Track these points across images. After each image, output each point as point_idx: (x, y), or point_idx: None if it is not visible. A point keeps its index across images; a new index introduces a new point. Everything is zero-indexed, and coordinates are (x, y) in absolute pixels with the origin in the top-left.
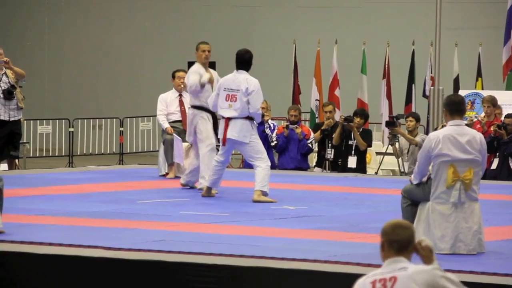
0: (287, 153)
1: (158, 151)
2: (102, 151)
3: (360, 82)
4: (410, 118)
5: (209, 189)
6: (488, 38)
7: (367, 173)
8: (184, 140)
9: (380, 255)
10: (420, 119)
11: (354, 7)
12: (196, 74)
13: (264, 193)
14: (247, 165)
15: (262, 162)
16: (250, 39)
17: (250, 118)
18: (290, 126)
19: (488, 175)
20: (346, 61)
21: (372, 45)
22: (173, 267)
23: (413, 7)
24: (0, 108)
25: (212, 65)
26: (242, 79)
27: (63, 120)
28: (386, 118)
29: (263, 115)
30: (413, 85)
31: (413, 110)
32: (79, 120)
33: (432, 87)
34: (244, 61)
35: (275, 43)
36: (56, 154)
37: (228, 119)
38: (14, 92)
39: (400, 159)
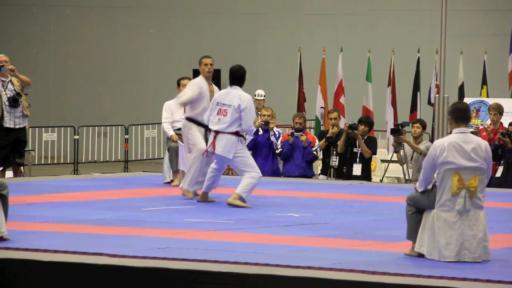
0: (292, 160)
1: (163, 158)
2: (107, 159)
3: (365, 90)
4: (417, 125)
5: (204, 194)
6: (494, 46)
7: (372, 180)
8: None
9: None
10: (426, 126)
11: (359, 15)
12: (190, 89)
13: (242, 199)
14: None
15: (251, 173)
16: (255, 46)
17: (237, 134)
18: (295, 133)
19: (493, 183)
20: (351, 69)
21: (377, 53)
22: (177, 275)
23: (418, 14)
24: (6, 115)
25: (217, 73)
26: (235, 95)
27: (68, 128)
28: (391, 125)
29: (267, 123)
30: (418, 92)
31: (418, 117)
32: (84, 128)
33: (437, 95)
34: (237, 77)
35: (280, 51)
36: (61, 162)
37: (216, 133)
38: (20, 100)
39: (404, 166)
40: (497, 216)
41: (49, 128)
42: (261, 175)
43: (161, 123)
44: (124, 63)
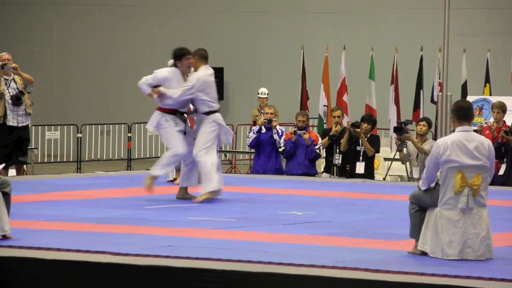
0: (294, 158)
1: None
2: (110, 157)
3: (368, 88)
4: (424, 123)
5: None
6: (497, 44)
7: (375, 178)
8: None
9: None
10: (432, 124)
11: (362, 13)
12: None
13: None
14: (255, 170)
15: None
16: (258, 45)
17: (160, 110)
18: (298, 131)
19: (496, 181)
20: (354, 67)
21: (380, 51)
22: (180, 273)
23: (421, 13)
24: (9, 114)
25: (220, 71)
26: None
27: (71, 126)
28: (394, 124)
29: (270, 121)
30: (421, 90)
31: (421, 115)
32: (87, 126)
33: (440, 93)
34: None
35: (283, 49)
36: (64, 160)
37: None
38: (23, 98)
39: (408, 164)
40: (500, 214)
41: (52, 127)
42: (182, 152)
43: None
44: (127, 61)
